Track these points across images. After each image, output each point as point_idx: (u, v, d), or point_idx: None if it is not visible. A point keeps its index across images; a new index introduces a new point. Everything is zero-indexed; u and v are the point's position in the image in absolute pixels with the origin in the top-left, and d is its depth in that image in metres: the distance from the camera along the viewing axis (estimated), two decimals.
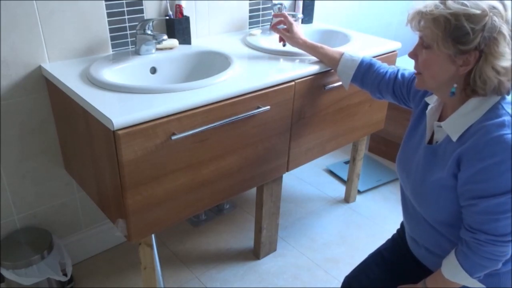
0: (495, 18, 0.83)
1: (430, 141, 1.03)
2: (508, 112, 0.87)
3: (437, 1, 0.88)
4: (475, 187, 0.88)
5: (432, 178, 0.97)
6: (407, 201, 1.11)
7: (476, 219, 0.90)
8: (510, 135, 0.84)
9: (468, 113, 0.91)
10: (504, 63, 0.85)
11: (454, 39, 0.85)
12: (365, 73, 1.33)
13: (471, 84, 0.88)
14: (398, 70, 1.26)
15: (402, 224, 1.25)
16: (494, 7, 0.84)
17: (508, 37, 0.84)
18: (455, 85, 0.91)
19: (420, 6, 0.90)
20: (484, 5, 0.84)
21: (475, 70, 0.87)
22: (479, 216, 0.89)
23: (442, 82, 0.92)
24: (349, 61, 1.37)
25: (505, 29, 0.84)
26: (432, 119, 1.02)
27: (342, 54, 1.39)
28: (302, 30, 1.52)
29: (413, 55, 0.96)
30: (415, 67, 0.98)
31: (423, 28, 0.90)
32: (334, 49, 1.44)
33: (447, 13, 0.85)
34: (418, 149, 1.04)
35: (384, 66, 1.31)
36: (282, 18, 1.52)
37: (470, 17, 0.83)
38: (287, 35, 1.50)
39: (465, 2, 0.85)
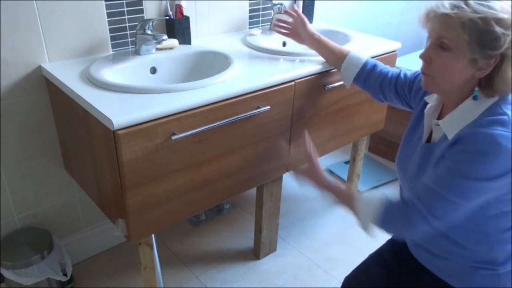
0: None
1: (429, 140, 1.03)
2: (505, 112, 0.86)
3: (459, 3, 0.83)
4: (446, 163, 0.88)
5: None
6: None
7: (424, 186, 0.91)
8: (498, 131, 0.82)
9: (466, 112, 0.90)
10: None
11: (481, 44, 0.82)
12: (369, 73, 1.33)
13: (493, 87, 0.87)
14: (400, 70, 1.27)
15: None
16: None
17: None
18: (476, 89, 0.89)
19: (442, 8, 0.85)
20: (507, 7, 0.81)
21: (496, 72, 0.85)
22: (428, 183, 0.90)
23: (456, 85, 0.90)
24: (354, 59, 1.37)
25: None
26: (430, 118, 1.02)
27: (348, 51, 1.39)
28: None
29: (427, 56, 0.90)
30: (425, 69, 0.92)
31: (445, 32, 0.85)
32: (340, 46, 1.44)
33: (476, 17, 0.81)
34: (416, 148, 1.04)
35: (386, 67, 1.32)
36: (283, 19, 1.53)
37: (500, 22, 0.80)
38: (291, 30, 1.52)
39: (490, 4, 0.81)
